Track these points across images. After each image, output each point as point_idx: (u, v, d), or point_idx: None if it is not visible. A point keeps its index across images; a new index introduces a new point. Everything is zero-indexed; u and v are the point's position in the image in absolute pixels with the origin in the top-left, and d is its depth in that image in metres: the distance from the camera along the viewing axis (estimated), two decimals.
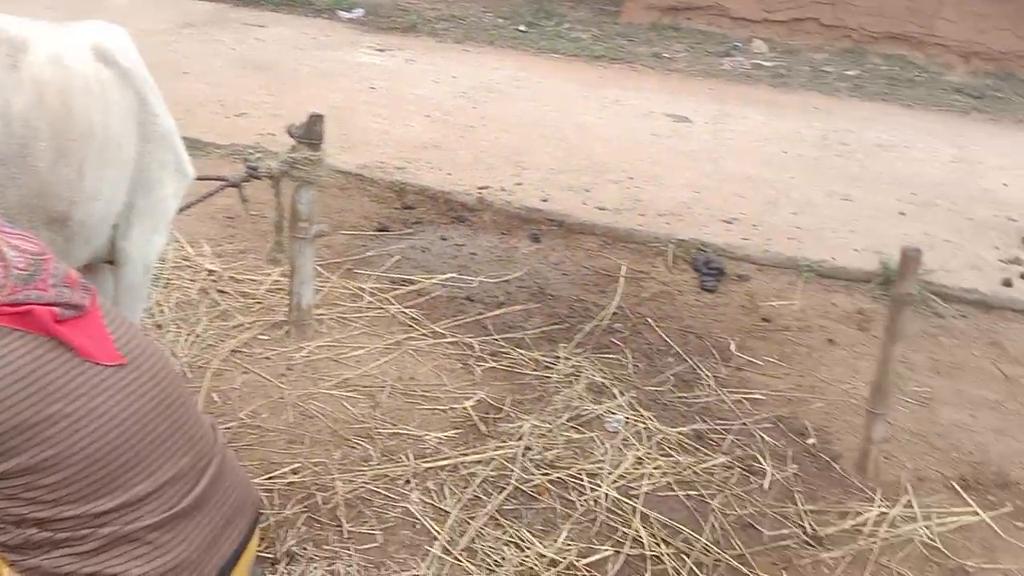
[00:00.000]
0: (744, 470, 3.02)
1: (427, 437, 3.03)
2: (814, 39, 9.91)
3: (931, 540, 2.74)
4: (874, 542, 2.70)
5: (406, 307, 3.83)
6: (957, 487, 3.02)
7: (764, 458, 3.07)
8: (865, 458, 3.03)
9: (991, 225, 5.07)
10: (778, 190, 5.34)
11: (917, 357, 3.83)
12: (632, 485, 2.87)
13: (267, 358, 3.39)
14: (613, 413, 3.25)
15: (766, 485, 2.95)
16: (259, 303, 3.76)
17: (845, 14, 9.66)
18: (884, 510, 2.85)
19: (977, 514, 2.89)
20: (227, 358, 3.38)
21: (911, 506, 2.89)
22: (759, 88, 8.09)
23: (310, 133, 3.31)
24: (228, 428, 2.99)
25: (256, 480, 2.71)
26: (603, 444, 3.06)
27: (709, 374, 3.57)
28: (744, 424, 3.27)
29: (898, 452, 3.20)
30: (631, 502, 2.78)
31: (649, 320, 3.95)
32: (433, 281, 4.08)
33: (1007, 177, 5.94)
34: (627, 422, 3.20)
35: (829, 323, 4.06)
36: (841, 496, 2.93)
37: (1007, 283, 4.30)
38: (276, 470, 2.80)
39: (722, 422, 3.27)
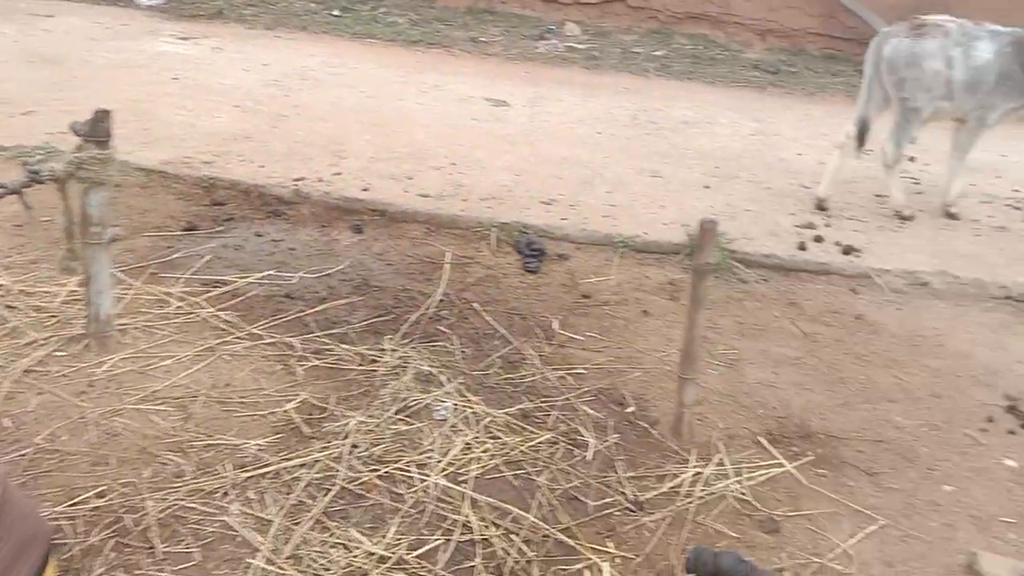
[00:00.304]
0: (569, 444, 3.10)
1: (246, 445, 2.92)
2: (623, 21, 10.27)
3: (743, 494, 2.92)
4: (691, 502, 2.85)
5: (220, 310, 3.66)
6: (764, 442, 3.23)
7: (587, 430, 3.17)
8: (679, 422, 3.18)
9: (787, 193, 5.44)
10: (593, 170, 5.49)
11: (724, 321, 4.07)
12: (461, 471, 2.88)
13: (65, 376, 3.14)
14: (442, 401, 3.24)
15: (589, 456, 3.04)
16: (54, 317, 3.48)
17: None
18: (699, 470, 3.01)
19: (783, 465, 3.10)
20: (19, 379, 3.11)
21: (723, 464, 3.06)
22: (573, 70, 8.29)
23: (96, 130, 3.07)
24: (23, 455, 2.76)
25: (56, 508, 2.51)
26: (432, 433, 3.06)
27: (534, 353, 3.63)
28: (568, 399, 3.35)
29: (710, 413, 3.38)
30: (460, 488, 2.79)
31: (475, 305, 3.97)
32: (249, 280, 3.92)
33: (800, 147, 6.38)
34: (455, 409, 3.20)
35: (643, 295, 4.22)
36: (659, 460, 3.07)
37: (802, 247, 4.63)
38: (79, 495, 2.60)
39: (547, 399, 3.34)
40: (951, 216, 5.25)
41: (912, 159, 6.33)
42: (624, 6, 10.22)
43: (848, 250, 4.63)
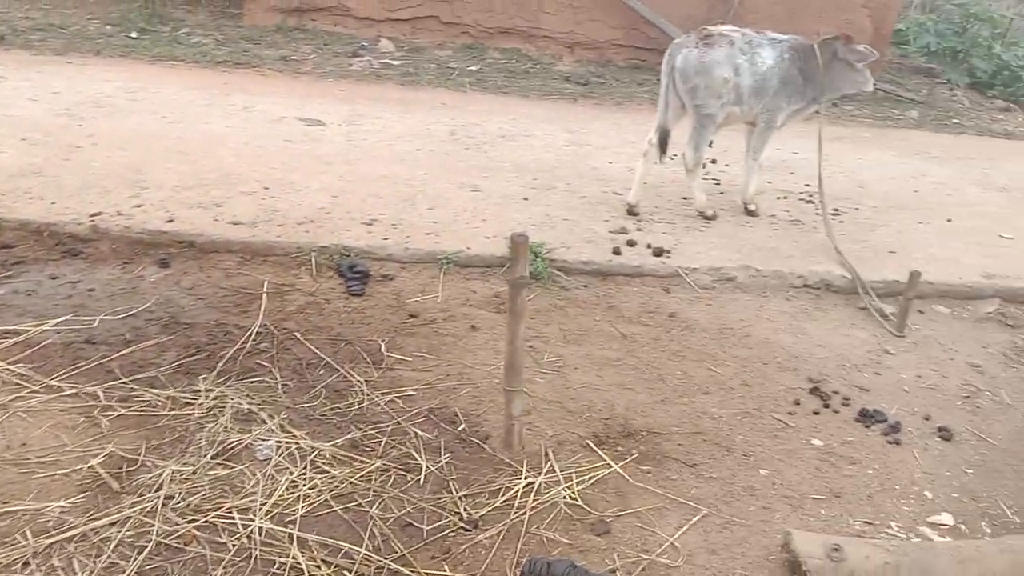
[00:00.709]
0: (401, 470, 3.05)
1: (48, 509, 2.67)
2: (437, 36, 10.33)
3: (573, 499, 2.98)
4: (524, 513, 2.87)
5: (11, 363, 3.35)
6: (592, 444, 3.32)
7: (419, 453, 3.13)
8: (510, 434, 3.21)
9: (601, 200, 5.63)
10: (414, 187, 5.47)
11: (549, 329, 4.15)
12: (288, 511, 2.77)
13: None
14: (263, 439, 3.11)
15: (422, 480, 3.00)
16: None
17: (461, 11, 10.17)
18: (531, 480, 3.04)
19: (610, 466, 3.19)
20: None
21: (554, 471, 3.11)
22: (389, 87, 8.24)
23: None
24: None
25: None
26: (255, 475, 2.92)
27: (361, 379, 3.56)
28: (398, 423, 3.30)
29: (540, 421, 3.43)
30: (287, 529, 2.68)
31: (297, 334, 3.84)
32: (43, 328, 3.61)
33: (611, 156, 6.63)
34: (279, 446, 3.08)
35: (471, 310, 4.24)
36: (492, 475, 3.08)
37: (616, 251, 4.80)
38: None
39: (377, 426, 3.28)
40: (750, 213, 5.61)
41: (714, 161, 6.75)
42: (436, 21, 10.29)
43: (659, 252, 4.85)
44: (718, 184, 6.26)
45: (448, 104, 7.79)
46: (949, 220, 5.98)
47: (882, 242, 5.41)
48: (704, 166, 6.56)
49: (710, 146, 5.45)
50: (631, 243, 4.94)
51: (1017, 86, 11.32)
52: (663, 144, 5.20)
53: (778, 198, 6.08)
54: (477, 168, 6.01)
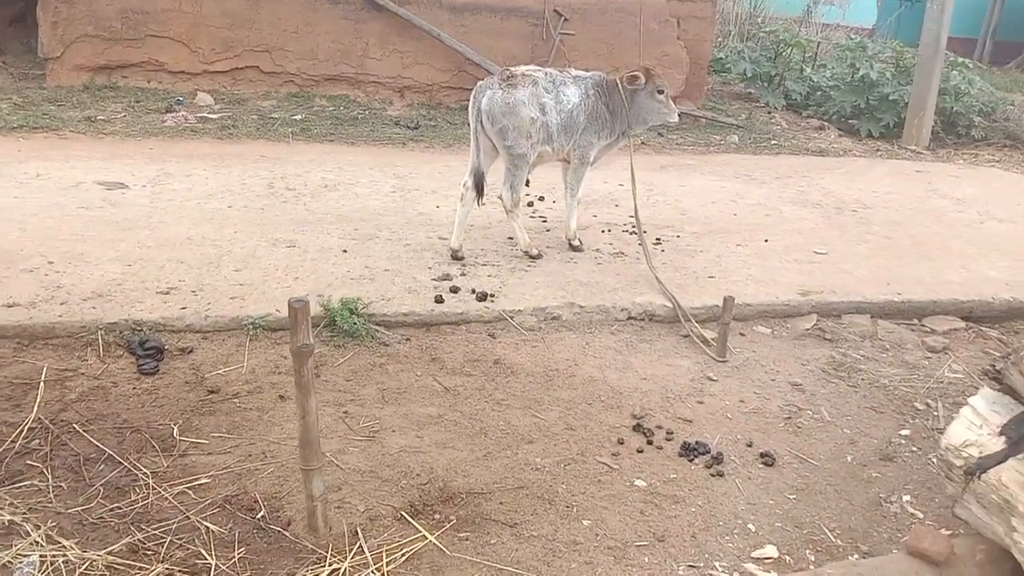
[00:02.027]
0: (186, 572, 2.72)
1: None
2: (259, 87, 9.99)
3: None
4: None
5: None
6: (407, 515, 3.09)
7: (209, 551, 2.81)
8: (312, 517, 2.94)
9: (426, 247, 5.46)
10: (221, 248, 5.12)
11: (367, 391, 3.91)
12: None
13: None
14: (25, 555, 2.71)
15: None
16: None
17: (283, 60, 9.88)
18: (335, 566, 2.78)
19: (425, 538, 2.97)
20: None
21: (362, 552, 2.86)
22: (204, 142, 7.84)
23: None
24: None
25: None
26: None
27: (147, 472, 3.20)
28: (188, 518, 2.97)
29: (351, 496, 3.18)
30: None
31: (76, 426, 3.44)
32: None
33: (439, 199, 6.49)
34: (43, 562, 2.69)
35: (280, 378, 3.95)
36: (292, 566, 2.79)
37: (439, 299, 4.63)
38: None
39: (162, 524, 2.93)
40: (575, 249, 5.58)
41: (541, 198, 6.73)
42: (258, 72, 9.95)
43: (483, 296, 4.71)
44: (545, 221, 6.22)
45: (268, 156, 7.47)
46: (766, 240, 6.15)
47: (702, 268, 5.49)
48: (531, 204, 6.56)
49: (527, 185, 5.39)
50: (454, 289, 4.78)
51: (828, 105, 12.04)
52: (479, 187, 5.09)
53: (602, 231, 6.10)
54: (295, 222, 5.73)
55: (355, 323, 4.29)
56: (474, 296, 4.73)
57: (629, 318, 4.83)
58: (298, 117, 9.11)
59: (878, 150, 10.61)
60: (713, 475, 3.49)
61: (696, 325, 4.71)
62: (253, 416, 3.65)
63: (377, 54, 10.05)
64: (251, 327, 4.26)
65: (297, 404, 2.87)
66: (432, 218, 6.09)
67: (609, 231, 6.12)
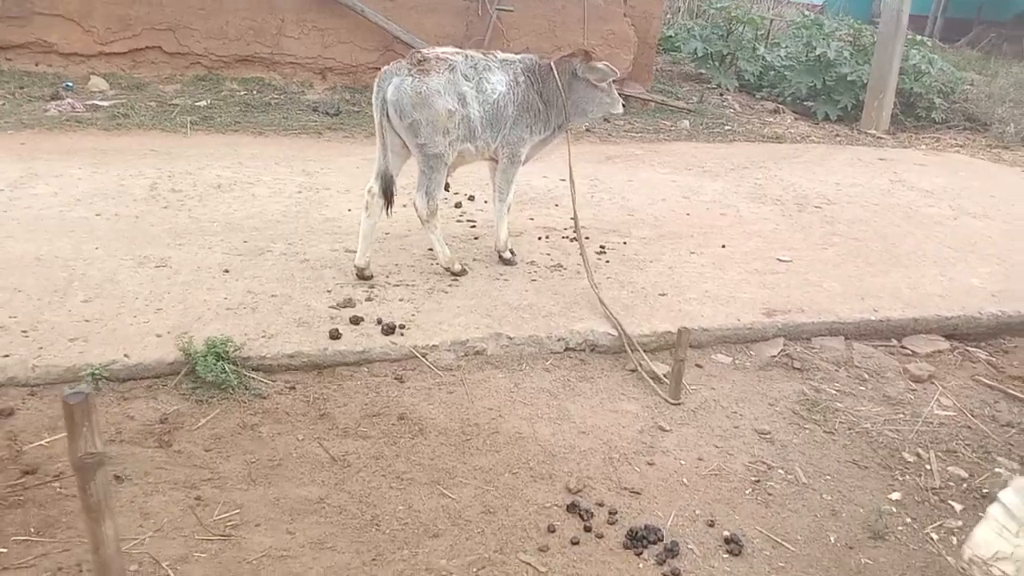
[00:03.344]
0: None
1: None
2: (163, 70, 8.96)
3: None
4: None
5: None
6: None
7: None
8: None
9: (328, 262, 4.61)
10: (73, 270, 4.22)
11: (229, 465, 3.08)
12: None
13: None
14: None
15: None
16: None
17: (188, 40, 8.86)
18: None
19: None
20: None
21: None
22: (88, 135, 6.85)
23: None
24: None
25: None
26: None
27: None
28: None
29: None
30: None
31: None
32: None
33: (353, 200, 5.63)
34: None
35: (121, 449, 3.09)
36: None
37: (335, 335, 3.80)
38: None
39: None
40: (506, 262, 4.79)
41: (471, 198, 5.92)
42: (160, 52, 8.92)
43: (390, 329, 3.89)
44: (474, 227, 5.42)
45: (159, 151, 6.52)
46: (724, 246, 5.43)
47: (652, 283, 4.73)
48: (459, 205, 5.75)
49: (447, 190, 4.58)
50: (355, 320, 3.96)
51: (783, 86, 11.40)
52: (387, 193, 4.25)
53: (540, 238, 5.31)
54: (172, 233, 4.83)
55: (223, 371, 3.45)
56: (380, 328, 3.91)
57: (567, 349, 4.06)
58: (202, 103, 8.12)
59: (837, 135, 9.99)
60: (666, 574, 2.74)
61: (645, 358, 3.96)
62: (76, 507, 2.80)
63: (295, 32, 9.09)
64: (91, 378, 3.38)
65: (88, 533, 2.04)
66: (340, 224, 5.24)
67: (547, 237, 5.33)
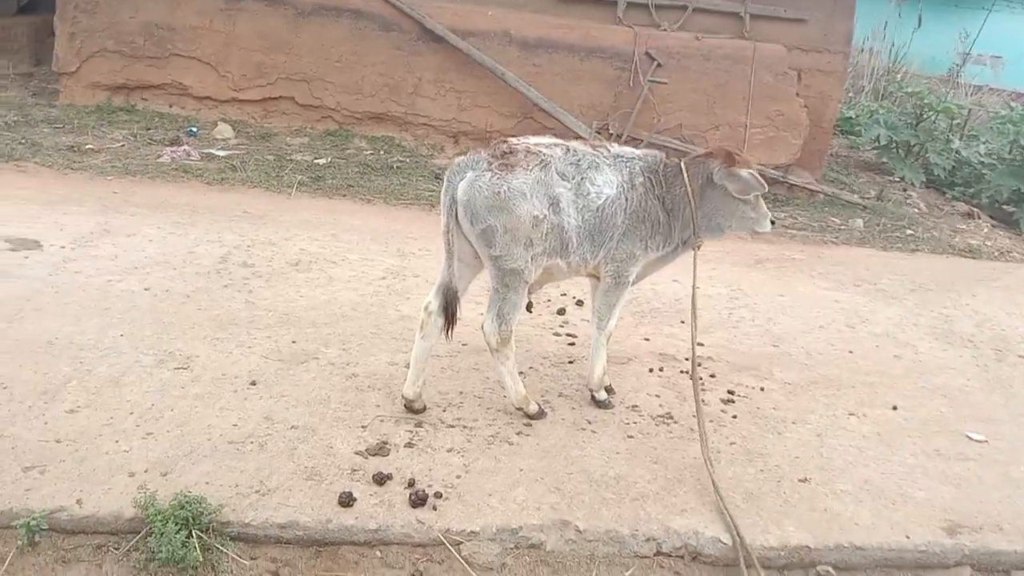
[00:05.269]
0: None
1: None
2: (293, 120, 8.60)
3: None
4: None
5: None
6: None
7: None
8: None
9: (377, 382, 3.75)
10: (80, 364, 3.57)
11: None
12: None
13: None
14: None
15: None
16: None
17: (322, 93, 8.47)
18: None
19: None
20: None
21: None
22: (188, 187, 6.43)
23: None
24: None
25: None
26: None
27: None
28: None
29: None
30: None
31: None
32: None
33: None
34: None
35: None
36: None
37: (346, 501, 2.89)
38: None
39: None
40: (599, 404, 3.76)
41: (579, 303, 4.95)
42: (293, 103, 8.57)
43: (421, 499, 2.95)
44: (573, 344, 4.44)
45: (252, 213, 5.97)
46: (895, 407, 4.16)
47: (791, 457, 3.56)
48: (562, 311, 4.79)
49: (529, 311, 3.62)
50: (380, 479, 3.04)
51: (980, 187, 9.79)
52: (449, 311, 3.35)
53: (651, 370, 4.25)
54: (216, 323, 4.13)
55: (183, 545, 2.61)
56: (408, 495, 2.98)
57: (658, 554, 2.98)
58: (322, 161, 7.62)
59: None
60: None
61: None
62: None
63: (431, 92, 8.51)
64: (26, 530, 2.63)
65: None
66: (413, 326, 4.37)
67: (661, 370, 4.26)
